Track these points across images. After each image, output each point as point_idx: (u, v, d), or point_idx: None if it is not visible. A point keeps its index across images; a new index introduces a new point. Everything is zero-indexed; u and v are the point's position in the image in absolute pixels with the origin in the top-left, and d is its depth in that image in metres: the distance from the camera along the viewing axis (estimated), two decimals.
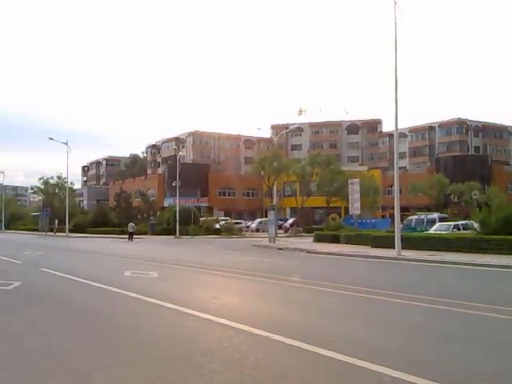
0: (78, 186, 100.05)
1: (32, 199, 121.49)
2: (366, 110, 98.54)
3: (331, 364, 5.15)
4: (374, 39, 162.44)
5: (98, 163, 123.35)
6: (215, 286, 12.07)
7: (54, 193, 70.39)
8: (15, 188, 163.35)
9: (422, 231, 29.49)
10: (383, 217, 54.30)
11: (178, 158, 54.07)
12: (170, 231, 47.52)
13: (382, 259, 19.41)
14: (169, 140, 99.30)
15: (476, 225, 23.04)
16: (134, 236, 42.06)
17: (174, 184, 50.27)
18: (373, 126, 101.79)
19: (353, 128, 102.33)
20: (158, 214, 58.45)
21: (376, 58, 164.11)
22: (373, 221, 43.58)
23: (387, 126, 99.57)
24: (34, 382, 4.66)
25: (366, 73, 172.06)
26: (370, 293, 10.14)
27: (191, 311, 7.90)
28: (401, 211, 21.92)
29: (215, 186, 70.33)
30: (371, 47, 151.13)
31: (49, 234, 57.34)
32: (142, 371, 4.96)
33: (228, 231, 47.86)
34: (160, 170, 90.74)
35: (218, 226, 50.55)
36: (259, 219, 58.20)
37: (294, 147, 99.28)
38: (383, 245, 23.55)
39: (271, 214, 32.68)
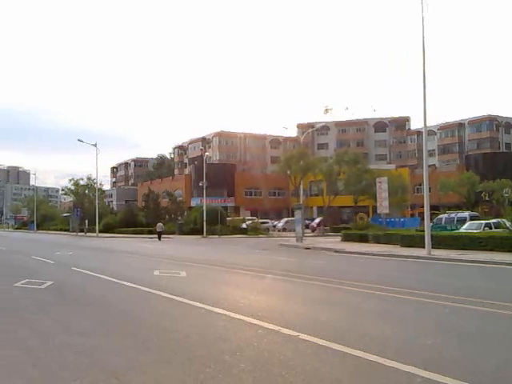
0: (107, 186, 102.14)
1: (63, 200, 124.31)
2: (394, 107, 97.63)
3: (361, 364, 5.11)
4: (402, 36, 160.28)
5: (126, 164, 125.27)
6: (243, 286, 12.09)
7: (84, 194, 71.71)
8: (47, 189, 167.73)
9: (453, 230, 28.94)
10: (412, 215, 53.49)
11: (204, 158, 54.46)
12: (197, 231, 47.90)
13: (412, 259, 19.12)
14: (195, 141, 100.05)
15: (508, 223, 22.48)
16: (162, 236, 42.55)
17: (200, 184, 50.62)
18: (401, 123, 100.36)
19: (380, 126, 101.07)
20: (185, 214, 58.99)
21: (404, 55, 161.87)
22: (401, 220, 42.96)
23: (416, 124, 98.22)
24: (69, 380, 4.76)
25: (393, 70, 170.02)
26: (400, 292, 10.01)
27: (220, 310, 7.94)
28: (430, 210, 21.54)
29: (241, 186, 70.52)
30: (399, 44, 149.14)
31: (79, 234, 58.51)
32: (173, 370, 5.01)
33: (254, 231, 47.93)
34: (187, 171, 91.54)
35: (244, 225, 50.66)
36: (286, 219, 58.10)
37: (321, 146, 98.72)
38: (412, 244, 23.26)
39: (298, 214, 32.56)
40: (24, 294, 10.54)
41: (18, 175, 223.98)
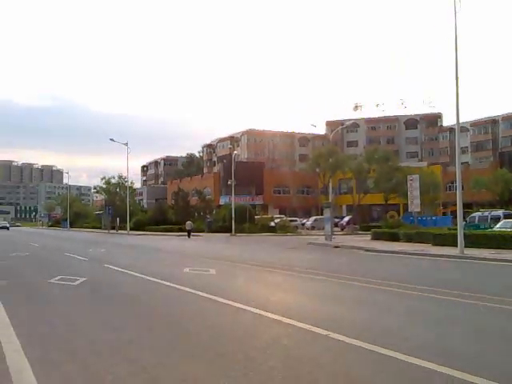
0: (137, 185, 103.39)
1: (95, 198, 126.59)
2: (425, 104, 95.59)
3: (394, 364, 5.03)
4: (433, 31, 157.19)
5: (156, 163, 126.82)
6: (272, 284, 12.08)
7: (115, 192, 72.94)
8: (79, 188, 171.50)
9: (486, 229, 28.22)
10: (444, 214, 52.43)
11: (233, 156, 54.63)
12: (225, 229, 48.10)
13: (444, 258, 18.73)
14: (224, 139, 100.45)
15: None
16: (192, 233, 42.92)
17: (229, 182, 50.81)
18: (432, 120, 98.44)
19: (411, 122, 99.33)
20: (214, 212, 59.33)
21: (436, 50, 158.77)
22: (433, 218, 42.10)
23: (448, 120, 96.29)
24: (103, 373, 4.83)
25: (425, 66, 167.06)
26: (433, 292, 9.81)
27: (249, 308, 7.95)
28: (463, 208, 21.07)
29: (270, 184, 70.45)
30: (430, 39, 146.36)
31: (111, 231, 59.57)
32: (203, 366, 5.04)
33: (283, 229, 47.81)
34: (216, 169, 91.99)
35: (272, 223, 50.60)
36: (314, 217, 57.75)
37: (350, 143, 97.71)
38: (445, 243, 22.79)
39: (327, 212, 32.32)
40: (58, 290, 10.76)
41: (51, 174, 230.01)
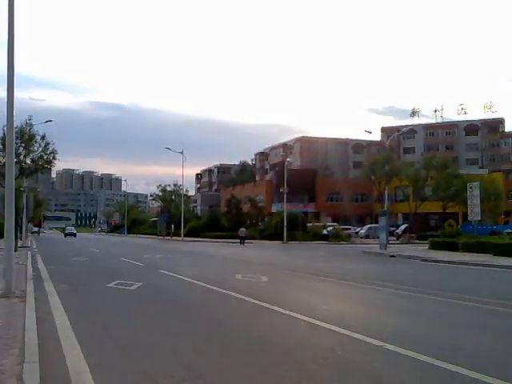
0: (191, 192, 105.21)
1: (151, 205, 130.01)
2: (486, 109, 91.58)
3: (452, 378, 4.81)
4: (494, 33, 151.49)
5: (210, 171, 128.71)
6: (325, 292, 11.92)
7: (170, 199, 74.54)
8: (136, 195, 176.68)
9: None
10: (506, 223, 50.11)
11: (285, 164, 54.60)
12: (277, 236, 47.95)
13: (507, 269, 17.89)
14: (277, 147, 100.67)
15: None
16: (245, 240, 43.14)
17: (281, 190, 50.74)
18: (494, 125, 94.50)
19: (471, 128, 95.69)
20: (265, 219, 59.42)
21: (498, 54, 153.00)
22: (494, 227, 40.37)
23: (510, 126, 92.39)
24: (160, 378, 4.89)
25: (485, 70, 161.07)
26: (496, 304, 9.42)
27: (302, 316, 7.86)
28: None
29: (323, 192, 69.81)
30: (491, 43, 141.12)
31: (166, 237, 60.89)
32: (256, 373, 5.02)
33: (336, 237, 47.21)
34: (268, 177, 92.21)
35: (325, 231, 50.07)
36: (369, 225, 56.69)
37: (407, 150, 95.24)
38: (507, 253, 21.75)
39: (382, 220, 31.64)
40: (116, 294, 11.05)
41: (110, 182, 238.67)
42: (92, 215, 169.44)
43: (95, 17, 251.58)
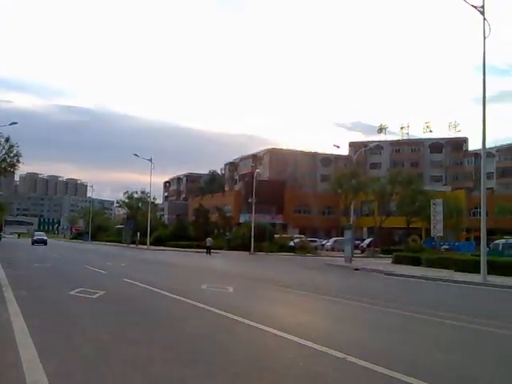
0: (159, 200, 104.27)
1: (117, 212, 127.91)
2: (451, 128, 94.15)
3: None
4: (460, 54, 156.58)
5: (178, 179, 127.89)
6: (290, 304, 11.99)
7: (137, 207, 73.62)
8: (102, 202, 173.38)
9: (510, 256, 27.57)
10: (467, 239, 51.45)
11: (254, 175, 54.79)
12: (244, 247, 48.01)
13: (467, 284, 18.38)
14: (246, 157, 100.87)
15: None
16: (211, 250, 42.95)
17: (250, 200, 50.93)
18: (458, 144, 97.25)
19: (436, 146, 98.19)
20: (233, 229, 59.35)
21: (462, 75, 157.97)
22: (456, 243, 41.40)
23: (473, 145, 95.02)
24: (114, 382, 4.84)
25: (451, 89, 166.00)
26: (455, 319, 9.65)
27: (267, 328, 7.87)
28: (487, 234, 20.64)
29: (291, 204, 70.25)
30: (457, 64, 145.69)
31: (131, 245, 59.99)
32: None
33: (302, 249, 47.49)
34: (237, 187, 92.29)
35: (292, 243, 50.33)
36: (335, 238, 57.27)
37: (373, 165, 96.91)
38: (467, 269, 22.37)
39: (348, 233, 32.06)
40: (78, 302, 10.82)
41: (76, 187, 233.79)
42: (55, 221, 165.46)
43: (63, 18, 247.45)
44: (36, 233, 70.50)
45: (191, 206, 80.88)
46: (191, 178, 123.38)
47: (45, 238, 60.73)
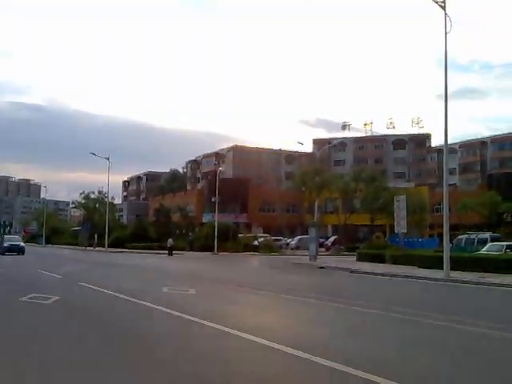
0: (118, 200, 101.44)
1: (73, 214, 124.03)
2: (413, 124, 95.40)
3: None
4: (423, 50, 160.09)
5: (138, 178, 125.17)
6: (254, 305, 11.77)
7: (94, 207, 71.49)
8: (57, 203, 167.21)
9: (473, 252, 27.90)
10: (431, 236, 52.13)
11: (217, 173, 54.00)
12: (208, 247, 47.11)
13: (430, 280, 18.46)
14: (209, 155, 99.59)
15: None
16: (173, 251, 41.98)
17: (213, 200, 50.11)
18: (421, 140, 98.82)
19: (399, 143, 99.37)
20: (196, 229, 58.40)
21: (425, 71, 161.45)
22: (420, 240, 41.86)
23: (436, 141, 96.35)
24: None
25: (413, 86, 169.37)
26: (416, 315, 9.64)
27: (229, 330, 7.66)
28: (450, 230, 20.71)
29: (255, 202, 69.69)
30: (420, 60, 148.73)
31: (88, 248, 57.86)
32: None
33: (267, 248, 47.09)
34: (200, 186, 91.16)
35: (256, 242, 49.89)
36: (299, 236, 57.01)
37: (337, 162, 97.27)
38: (430, 265, 22.45)
39: (312, 231, 31.85)
40: (30, 308, 10.31)
41: (28, 188, 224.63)
42: (7, 223, 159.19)
43: (12, 12, 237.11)
44: (7, 237, 50.57)
45: (152, 205, 79.31)
46: (151, 177, 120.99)
47: (21, 244, 42.20)
